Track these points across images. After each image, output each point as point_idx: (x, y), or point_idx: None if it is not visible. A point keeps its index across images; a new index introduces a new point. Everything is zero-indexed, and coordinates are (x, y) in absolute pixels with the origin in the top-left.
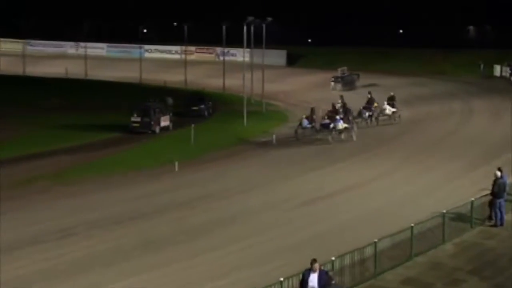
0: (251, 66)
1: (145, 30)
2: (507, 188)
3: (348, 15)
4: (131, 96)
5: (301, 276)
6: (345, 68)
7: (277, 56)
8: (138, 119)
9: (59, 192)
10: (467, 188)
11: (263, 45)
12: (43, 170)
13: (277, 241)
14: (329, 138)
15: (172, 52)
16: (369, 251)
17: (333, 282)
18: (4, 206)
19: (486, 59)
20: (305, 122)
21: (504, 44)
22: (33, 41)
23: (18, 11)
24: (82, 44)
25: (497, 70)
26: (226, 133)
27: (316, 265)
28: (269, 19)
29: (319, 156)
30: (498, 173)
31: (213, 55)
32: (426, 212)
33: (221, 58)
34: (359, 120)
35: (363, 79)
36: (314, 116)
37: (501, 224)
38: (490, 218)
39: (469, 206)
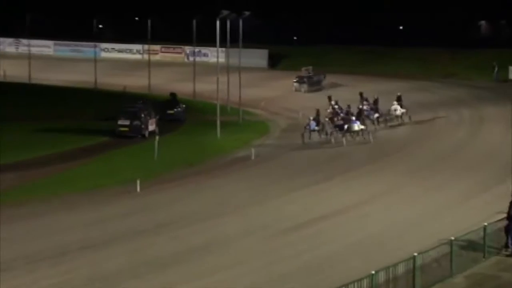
0: (226, 69)
1: (100, 26)
2: None
3: (338, 8)
4: (83, 104)
5: None
6: (310, 67)
7: (257, 57)
8: (127, 123)
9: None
10: (479, 211)
11: (240, 44)
12: None
13: (257, 274)
14: (343, 140)
15: (133, 52)
16: (365, 286)
17: None
18: None
19: (501, 59)
20: (313, 125)
21: None
22: None
23: None
24: (24, 41)
25: None
26: (196, 146)
27: None
28: (247, 13)
29: (306, 172)
30: None
31: (181, 55)
32: (431, 239)
33: (191, 58)
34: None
35: (358, 83)
36: (321, 119)
37: None
38: (506, 246)
39: (481, 232)
